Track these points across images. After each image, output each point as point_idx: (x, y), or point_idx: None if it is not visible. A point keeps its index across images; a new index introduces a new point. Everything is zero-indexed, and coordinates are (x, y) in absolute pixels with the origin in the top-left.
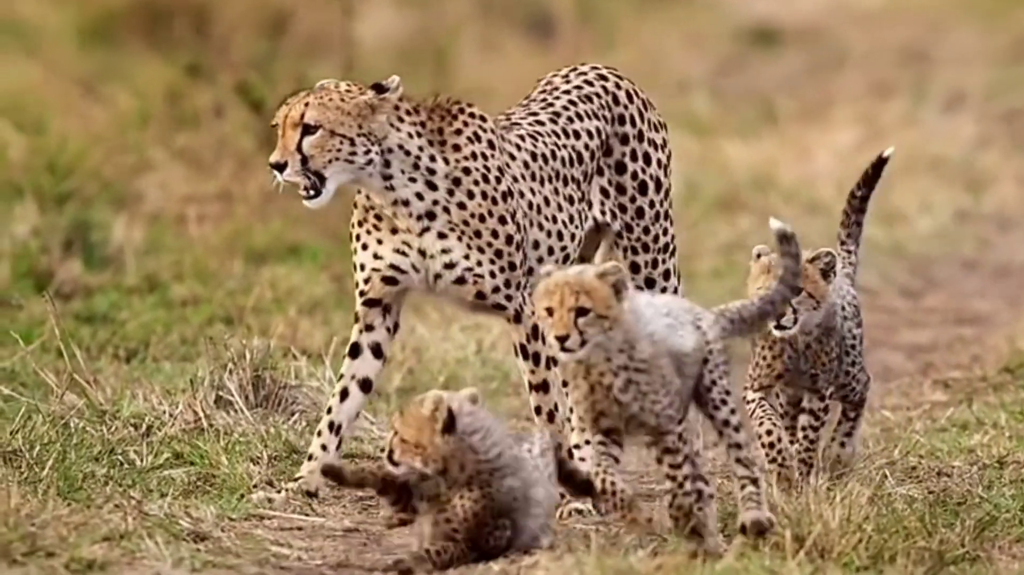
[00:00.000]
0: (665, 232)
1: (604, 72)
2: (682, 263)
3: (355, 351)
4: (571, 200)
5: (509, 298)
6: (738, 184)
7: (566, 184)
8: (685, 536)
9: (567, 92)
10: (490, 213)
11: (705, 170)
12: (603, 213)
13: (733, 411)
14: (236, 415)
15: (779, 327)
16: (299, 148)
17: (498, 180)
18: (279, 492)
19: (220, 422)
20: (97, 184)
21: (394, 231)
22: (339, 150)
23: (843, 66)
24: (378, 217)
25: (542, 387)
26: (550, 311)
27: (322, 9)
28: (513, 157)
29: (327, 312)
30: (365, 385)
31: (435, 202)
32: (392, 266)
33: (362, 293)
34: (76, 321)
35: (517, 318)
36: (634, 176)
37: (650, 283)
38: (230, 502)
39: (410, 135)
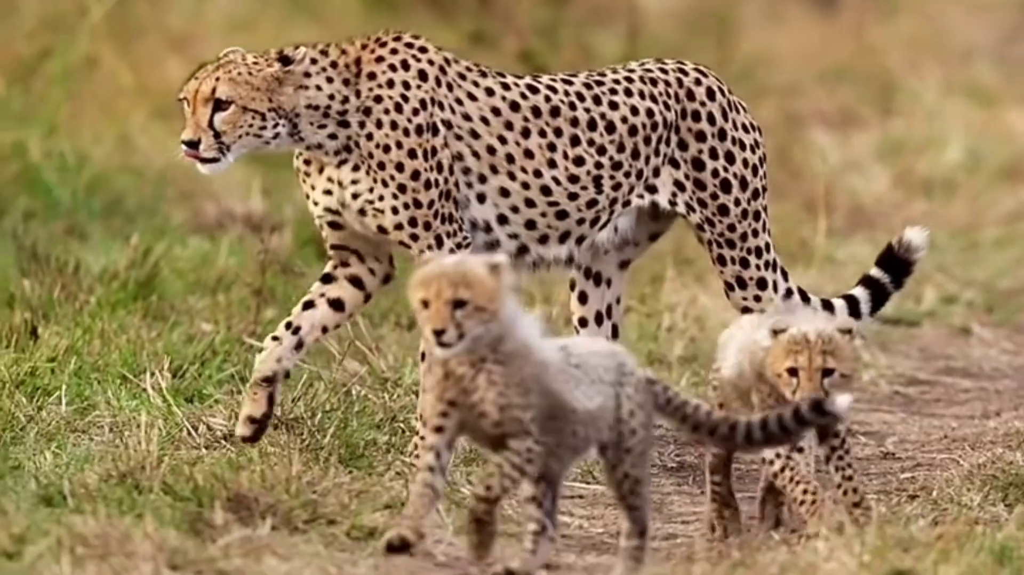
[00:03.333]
0: (756, 234)
1: (688, 68)
2: (965, 233)
3: (327, 278)
4: (579, 161)
5: (415, 237)
6: (1023, 153)
7: (575, 144)
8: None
9: (632, 71)
10: (398, 144)
11: (989, 139)
12: (673, 203)
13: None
14: None
15: None
16: (211, 124)
17: (415, 112)
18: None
19: None
20: None
21: (321, 170)
22: (250, 125)
23: None
24: (307, 161)
25: None
26: (425, 303)
27: None
28: (473, 98)
29: None
30: (336, 304)
31: (348, 137)
32: (327, 209)
33: (324, 239)
34: None
35: (416, 243)
36: (715, 173)
37: (741, 283)
38: None
39: (318, 87)
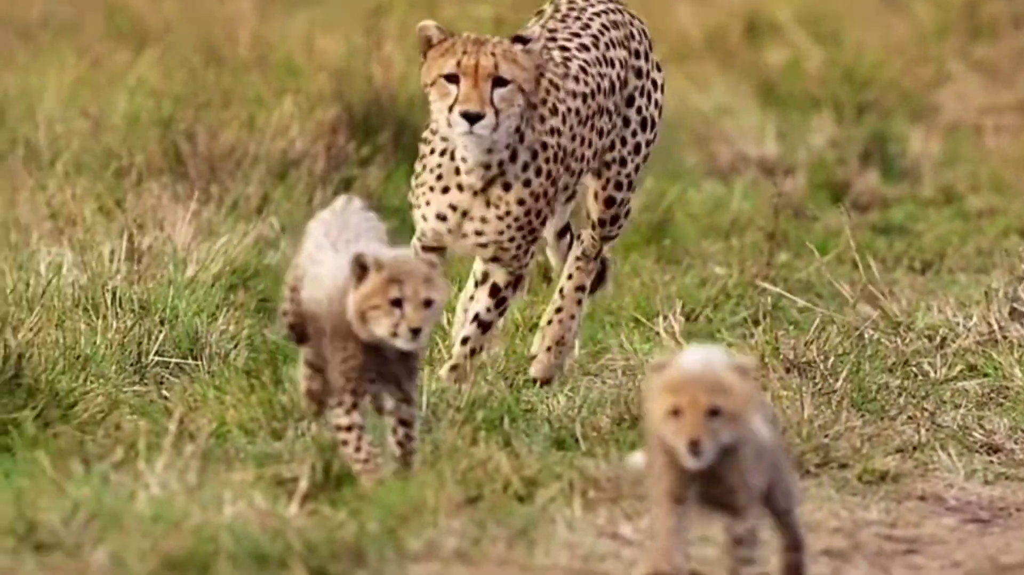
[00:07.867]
0: (637, 171)
1: (622, 6)
2: None
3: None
4: (601, 133)
5: (515, 258)
6: None
7: (601, 116)
8: None
9: (597, 15)
10: (544, 194)
11: None
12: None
13: None
14: None
15: None
16: (491, 101)
17: (561, 160)
18: None
19: (1014, 334)
20: (895, 95)
21: (445, 190)
22: (520, 105)
23: None
24: (439, 176)
25: (485, 326)
26: (676, 411)
27: None
28: (570, 110)
29: None
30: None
31: (505, 172)
32: (433, 230)
33: (418, 238)
34: (871, 232)
35: (508, 263)
36: (639, 111)
37: (614, 219)
38: None
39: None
